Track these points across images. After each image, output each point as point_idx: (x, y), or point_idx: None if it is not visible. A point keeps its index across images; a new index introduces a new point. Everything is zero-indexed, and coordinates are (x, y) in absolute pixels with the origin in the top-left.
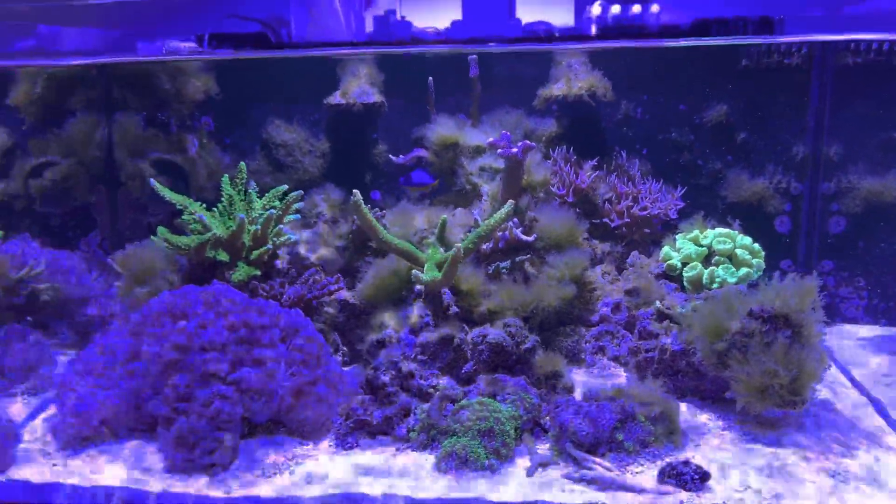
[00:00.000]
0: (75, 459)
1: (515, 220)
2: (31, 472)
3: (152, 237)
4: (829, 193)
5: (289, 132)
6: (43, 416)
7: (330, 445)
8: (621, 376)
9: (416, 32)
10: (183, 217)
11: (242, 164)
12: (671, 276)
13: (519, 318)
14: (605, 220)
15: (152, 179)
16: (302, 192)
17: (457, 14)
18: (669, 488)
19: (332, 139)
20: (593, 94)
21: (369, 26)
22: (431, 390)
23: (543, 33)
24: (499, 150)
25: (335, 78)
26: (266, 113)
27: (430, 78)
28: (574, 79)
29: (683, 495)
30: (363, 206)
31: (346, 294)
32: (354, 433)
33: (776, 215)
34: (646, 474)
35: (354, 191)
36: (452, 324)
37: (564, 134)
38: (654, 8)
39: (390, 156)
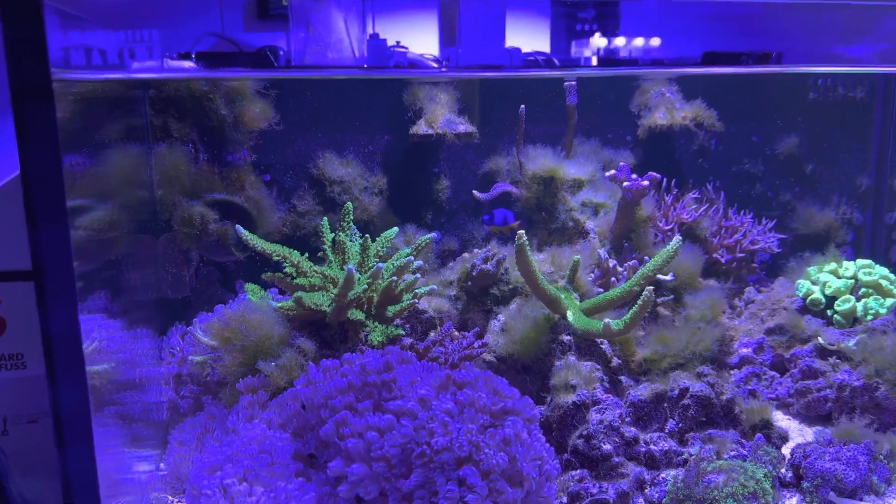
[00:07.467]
0: None
1: (645, 257)
2: None
3: (251, 297)
4: (891, 223)
5: (344, 166)
6: None
7: None
8: (783, 419)
9: (415, 59)
10: (286, 269)
11: (349, 203)
12: (813, 311)
13: (674, 365)
14: (716, 255)
15: (239, 226)
16: (435, 234)
17: (431, 42)
18: None
19: (388, 174)
20: (700, 123)
21: (364, 51)
22: (664, 456)
23: (543, 63)
24: (625, 184)
25: (401, 103)
26: (311, 145)
27: (522, 106)
28: (674, 108)
29: None
30: (528, 249)
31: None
32: None
33: (842, 246)
34: None
35: (520, 231)
36: (664, 378)
37: (640, 165)
38: (655, 41)
39: (474, 192)
